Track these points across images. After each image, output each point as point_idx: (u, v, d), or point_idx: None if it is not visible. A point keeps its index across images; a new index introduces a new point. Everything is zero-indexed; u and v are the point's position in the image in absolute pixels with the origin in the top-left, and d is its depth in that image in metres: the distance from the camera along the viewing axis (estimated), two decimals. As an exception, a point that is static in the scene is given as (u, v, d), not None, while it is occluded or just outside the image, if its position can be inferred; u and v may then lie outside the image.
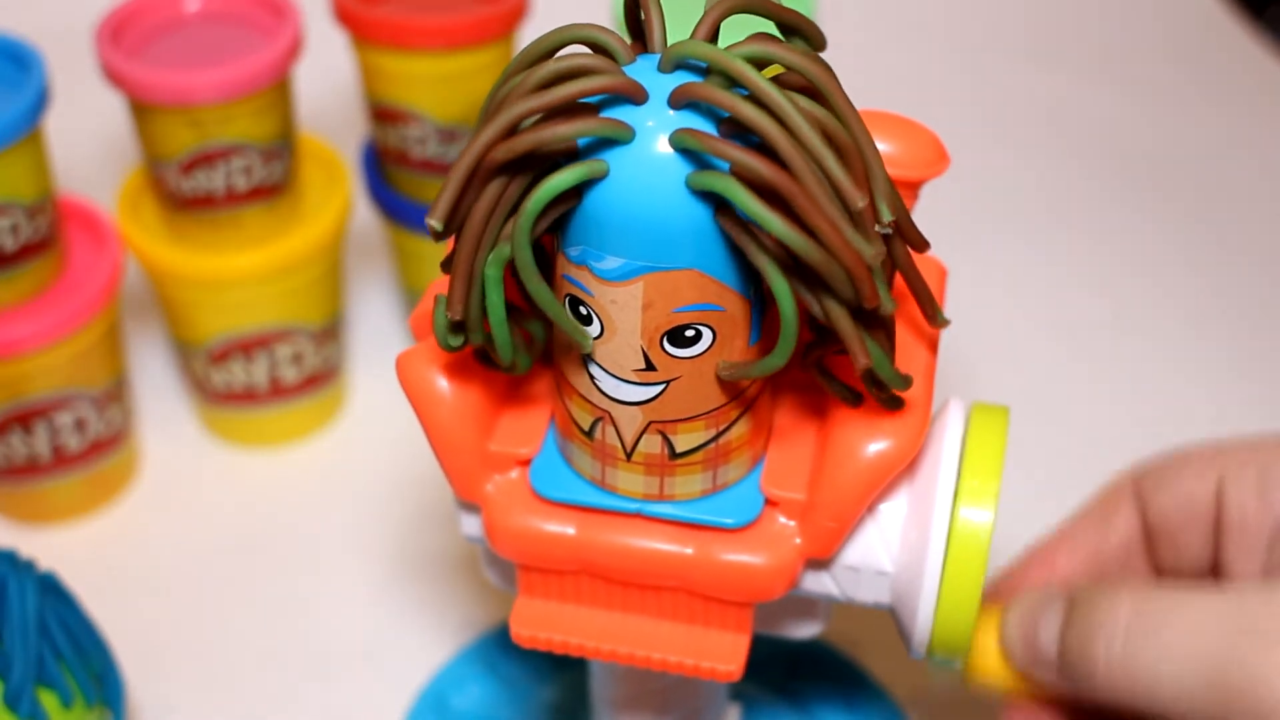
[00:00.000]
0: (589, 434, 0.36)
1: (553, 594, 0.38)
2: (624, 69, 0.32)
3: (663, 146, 0.31)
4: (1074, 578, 0.43)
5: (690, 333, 0.33)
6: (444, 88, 0.55)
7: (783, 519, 0.36)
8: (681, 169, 0.31)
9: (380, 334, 0.65)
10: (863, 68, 0.75)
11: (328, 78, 0.69)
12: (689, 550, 0.36)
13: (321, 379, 0.60)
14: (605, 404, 0.35)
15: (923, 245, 0.34)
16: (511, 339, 0.34)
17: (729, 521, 0.36)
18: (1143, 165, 0.74)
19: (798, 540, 0.36)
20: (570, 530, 0.36)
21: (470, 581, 0.55)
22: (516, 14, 0.55)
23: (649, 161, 0.31)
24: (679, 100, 0.31)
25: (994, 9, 0.84)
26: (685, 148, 0.30)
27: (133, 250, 0.55)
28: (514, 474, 0.37)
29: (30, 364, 0.52)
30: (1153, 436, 0.59)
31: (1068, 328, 0.65)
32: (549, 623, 0.38)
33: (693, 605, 0.37)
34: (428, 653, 0.53)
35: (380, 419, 0.61)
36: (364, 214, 0.66)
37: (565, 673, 0.51)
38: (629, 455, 0.35)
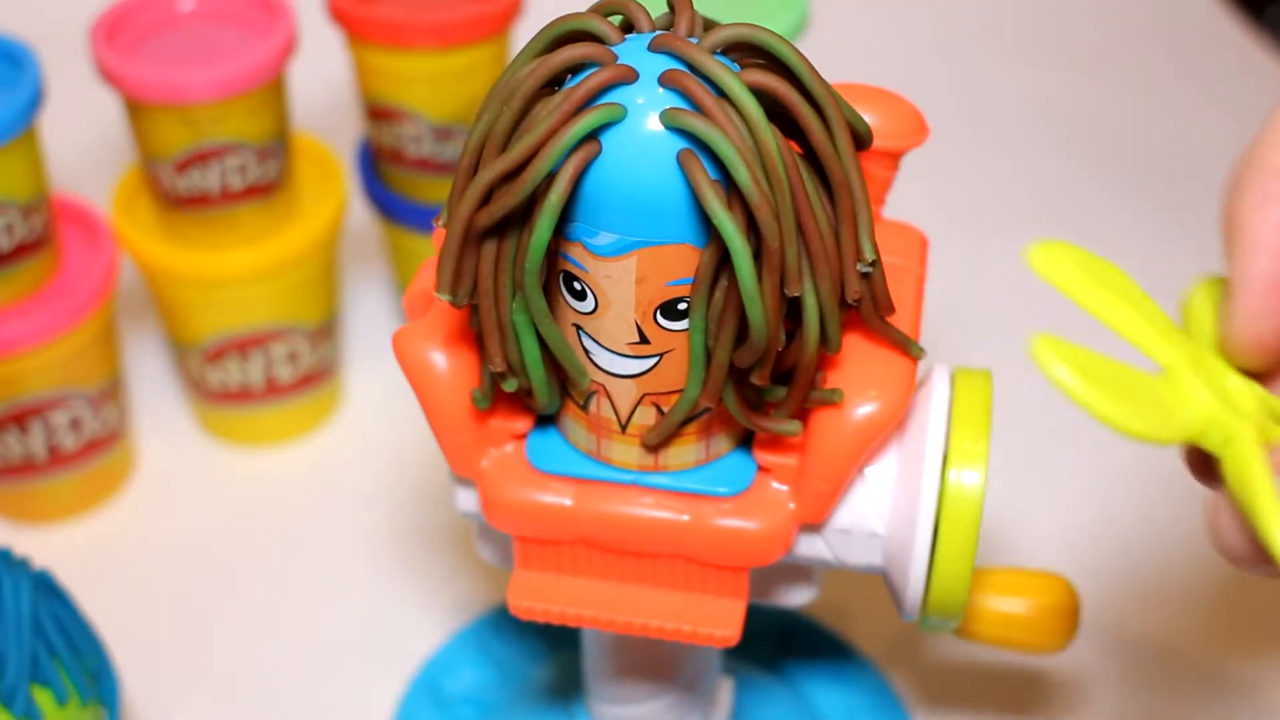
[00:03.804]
0: (584, 407, 0.36)
1: (549, 566, 0.38)
2: (614, 48, 0.32)
3: (654, 124, 0.31)
4: None
5: (683, 306, 0.33)
6: (439, 86, 0.55)
7: (775, 484, 0.37)
8: (672, 145, 0.31)
9: (376, 332, 0.65)
10: (857, 64, 0.75)
11: (322, 76, 0.69)
12: (685, 517, 0.36)
13: (317, 378, 0.60)
14: (600, 377, 0.35)
15: (890, 308, 0.35)
16: (548, 380, 0.35)
17: (723, 490, 0.36)
18: (1141, 165, 0.74)
19: (791, 505, 0.37)
20: (567, 501, 0.37)
21: (462, 570, 0.55)
22: (511, 12, 0.55)
23: (640, 139, 0.31)
24: (668, 81, 0.31)
25: (992, 7, 0.84)
26: (676, 127, 0.31)
27: (128, 249, 0.55)
28: (509, 448, 0.38)
29: (25, 363, 0.52)
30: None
31: (1065, 324, 0.65)
32: (547, 594, 0.38)
33: (689, 573, 0.37)
34: (423, 643, 0.53)
35: (375, 417, 0.61)
36: (359, 213, 0.66)
37: (558, 653, 0.51)
38: (624, 427, 0.36)
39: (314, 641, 0.53)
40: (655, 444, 0.36)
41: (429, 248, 0.59)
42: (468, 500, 0.40)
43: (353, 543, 0.57)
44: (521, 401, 0.37)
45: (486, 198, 0.32)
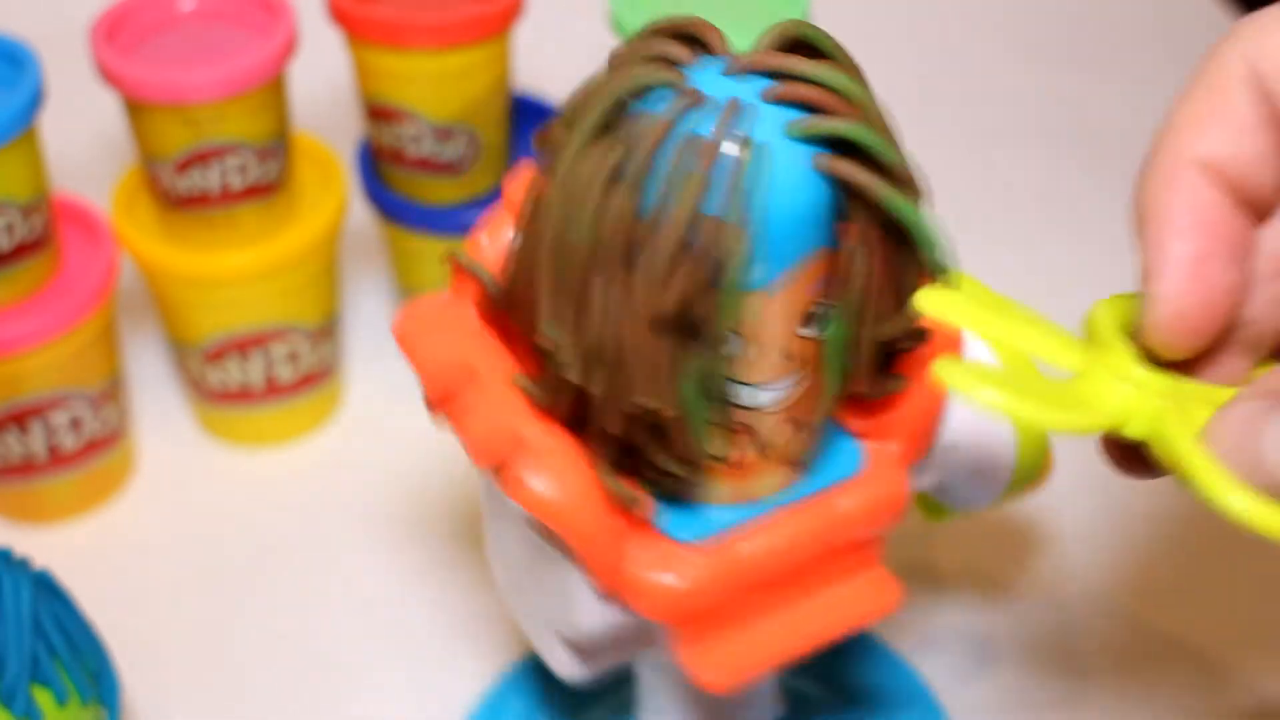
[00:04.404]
0: (723, 459, 0.35)
1: (717, 628, 0.37)
2: (691, 78, 0.32)
3: (779, 144, 0.31)
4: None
5: (820, 309, 0.33)
6: (439, 86, 0.55)
7: (877, 444, 0.37)
8: (801, 156, 0.31)
9: (376, 332, 0.65)
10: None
11: (323, 76, 0.69)
12: (837, 514, 0.37)
13: (317, 378, 0.60)
14: (744, 418, 0.34)
15: None
16: None
17: (851, 472, 0.37)
18: (1139, 164, 0.74)
19: (898, 454, 0.37)
20: (744, 553, 0.36)
21: (461, 571, 0.55)
22: (511, 12, 0.55)
23: (776, 163, 0.31)
24: (777, 97, 0.31)
25: (992, 8, 0.84)
26: (811, 136, 0.31)
27: (128, 249, 0.55)
28: (643, 543, 0.36)
29: (25, 363, 0.52)
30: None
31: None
32: (734, 657, 0.37)
33: (834, 563, 0.37)
34: (421, 644, 0.53)
35: (376, 417, 0.61)
36: (359, 213, 0.66)
37: (606, 696, 0.49)
38: (766, 455, 0.35)
39: (313, 642, 0.53)
40: (804, 454, 0.36)
41: (429, 248, 0.59)
42: (602, 615, 0.37)
43: (353, 543, 0.56)
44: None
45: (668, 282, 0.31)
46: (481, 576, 0.55)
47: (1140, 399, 0.31)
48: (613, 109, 0.32)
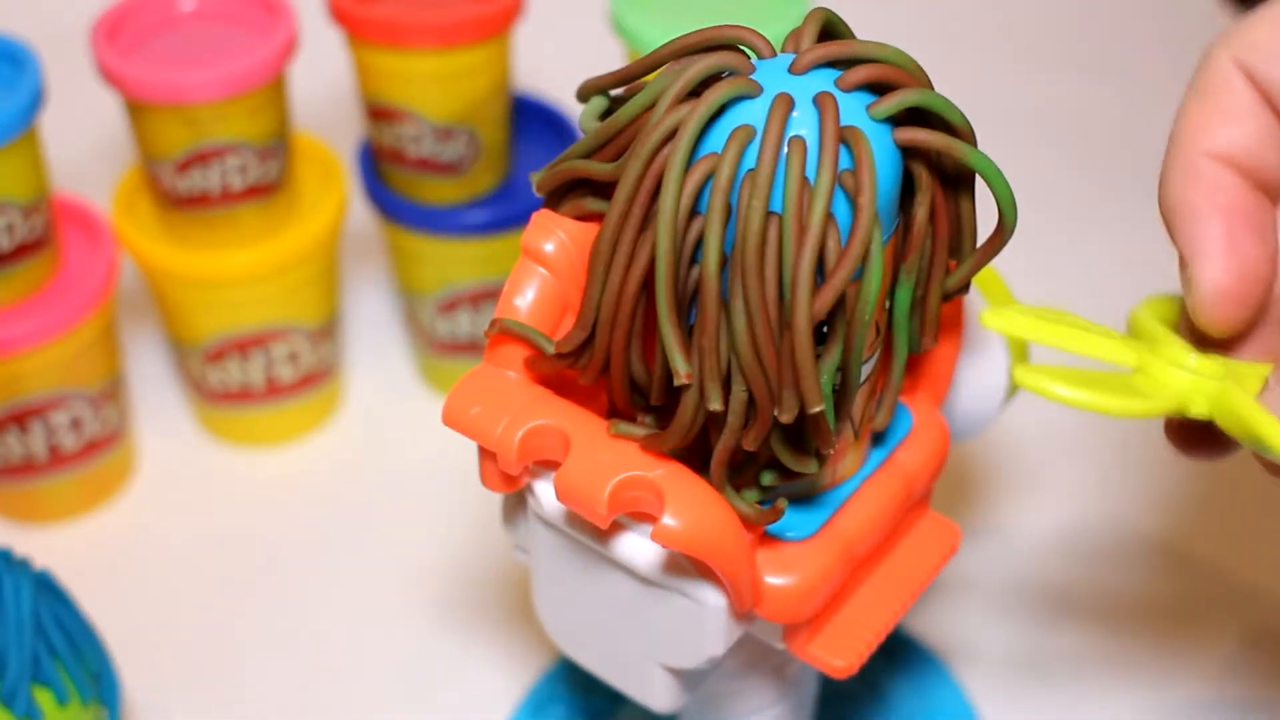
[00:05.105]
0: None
1: (830, 613, 0.37)
2: (765, 85, 0.32)
3: (868, 126, 0.32)
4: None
5: (892, 278, 0.34)
6: (439, 86, 0.55)
7: (909, 399, 0.38)
8: (887, 133, 0.32)
9: (376, 333, 0.65)
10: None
11: (323, 76, 0.69)
12: (906, 472, 0.37)
13: (317, 378, 0.60)
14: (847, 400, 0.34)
15: None
16: None
17: (905, 431, 0.38)
18: (1139, 165, 0.74)
19: (929, 402, 0.38)
20: (849, 533, 0.36)
21: (458, 571, 0.55)
22: (511, 12, 0.55)
23: (877, 147, 0.31)
24: (852, 84, 0.32)
25: (992, 8, 0.84)
26: (892, 115, 0.32)
27: (128, 249, 0.55)
28: (765, 553, 0.36)
29: (26, 363, 0.52)
30: (1148, 436, 0.59)
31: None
32: (853, 637, 0.37)
33: (905, 521, 0.38)
34: (419, 644, 0.53)
35: (376, 417, 0.61)
36: (359, 213, 0.66)
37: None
38: (858, 433, 0.36)
39: (313, 642, 0.53)
40: (886, 418, 0.36)
41: (429, 248, 0.59)
42: (730, 634, 0.36)
43: (355, 544, 0.57)
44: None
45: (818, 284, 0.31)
46: (482, 577, 0.55)
47: (1199, 381, 0.34)
48: (703, 131, 0.31)
